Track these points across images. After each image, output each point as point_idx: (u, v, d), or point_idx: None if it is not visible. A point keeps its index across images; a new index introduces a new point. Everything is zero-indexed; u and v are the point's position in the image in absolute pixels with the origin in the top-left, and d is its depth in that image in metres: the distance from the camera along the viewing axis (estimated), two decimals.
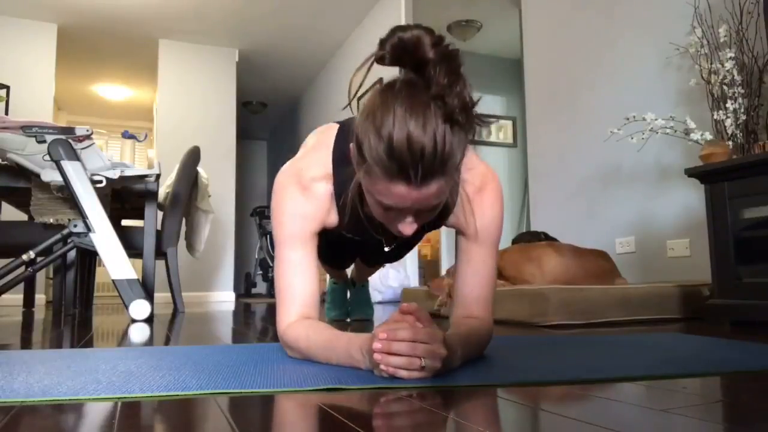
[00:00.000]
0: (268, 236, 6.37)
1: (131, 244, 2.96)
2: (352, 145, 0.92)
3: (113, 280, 2.43)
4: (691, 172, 1.96)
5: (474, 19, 4.92)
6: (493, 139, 5.48)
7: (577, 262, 2.33)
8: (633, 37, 2.88)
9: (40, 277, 4.54)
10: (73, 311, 2.86)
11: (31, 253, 2.50)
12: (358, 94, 0.97)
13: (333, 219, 1.15)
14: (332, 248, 1.68)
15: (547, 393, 0.81)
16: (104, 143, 7.52)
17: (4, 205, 3.36)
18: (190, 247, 3.62)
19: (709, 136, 2.18)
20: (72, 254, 2.82)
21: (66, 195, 2.56)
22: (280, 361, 1.10)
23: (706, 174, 1.92)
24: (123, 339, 1.68)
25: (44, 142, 2.38)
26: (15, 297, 4.15)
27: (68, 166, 2.40)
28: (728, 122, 2.10)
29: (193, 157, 3.34)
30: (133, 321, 2.40)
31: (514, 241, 2.79)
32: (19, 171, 2.54)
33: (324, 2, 4.77)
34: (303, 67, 6.15)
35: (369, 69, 0.88)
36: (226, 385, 0.86)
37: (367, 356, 0.93)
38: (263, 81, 6.57)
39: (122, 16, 4.93)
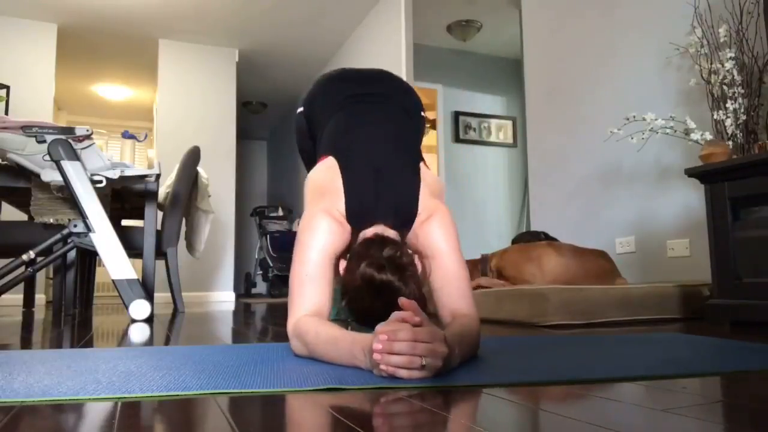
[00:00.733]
0: (268, 236, 6.37)
1: (131, 244, 2.96)
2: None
3: (113, 280, 2.43)
4: (691, 172, 1.96)
5: (474, 19, 4.92)
6: (493, 139, 5.48)
7: (577, 262, 2.33)
8: (633, 37, 2.88)
9: (40, 277, 4.54)
10: (73, 311, 2.86)
11: (31, 253, 2.50)
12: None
13: None
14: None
15: (547, 393, 0.80)
16: (104, 143, 7.52)
17: (4, 205, 3.36)
18: (190, 247, 3.62)
19: (709, 136, 2.18)
20: (72, 254, 2.82)
21: (66, 195, 2.56)
22: (280, 361, 1.10)
23: (706, 174, 1.92)
24: (123, 339, 1.68)
25: (44, 142, 2.38)
26: (15, 297, 4.15)
27: (68, 166, 2.40)
28: (728, 122, 2.10)
29: (193, 157, 3.34)
30: (133, 321, 2.40)
31: (514, 241, 2.79)
32: (19, 171, 2.53)
33: (324, 2, 4.77)
34: (303, 66, 6.15)
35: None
36: (226, 385, 0.86)
37: (367, 356, 0.93)
38: (263, 81, 6.57)
39: (122, 16, 4.93)
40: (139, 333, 1.87)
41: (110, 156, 2.63)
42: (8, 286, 2.51)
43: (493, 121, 5.50)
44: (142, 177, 2.75)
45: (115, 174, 2.53)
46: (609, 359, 1.09)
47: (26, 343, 1.55)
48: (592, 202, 3.12)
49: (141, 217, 3.29)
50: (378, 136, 1.34)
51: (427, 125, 5.24)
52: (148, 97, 6.93)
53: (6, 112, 4.32)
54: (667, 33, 2.68)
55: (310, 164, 1.60)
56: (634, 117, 2.44)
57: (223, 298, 5.35)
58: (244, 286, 7.21)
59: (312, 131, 1.56)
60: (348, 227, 1.24)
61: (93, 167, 2.50)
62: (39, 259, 2.61)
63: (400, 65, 4.14)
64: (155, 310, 3.34)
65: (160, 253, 3.25)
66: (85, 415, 0.70)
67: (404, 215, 1.25)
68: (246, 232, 8.38)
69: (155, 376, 0.93)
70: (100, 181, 2.49)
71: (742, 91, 2.10)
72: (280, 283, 6.14)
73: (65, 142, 2.41)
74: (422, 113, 1.57)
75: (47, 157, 2.39)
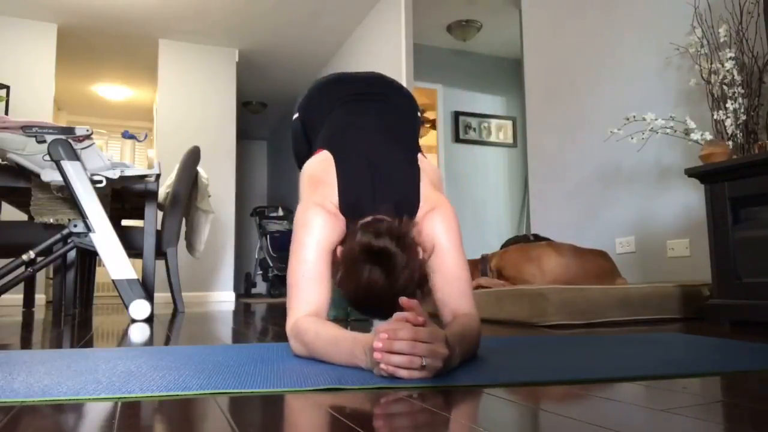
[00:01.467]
0: (268, 236, 6.37)
1: (131, 244, 2.96)
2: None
3: (113, 280, 2.43)
4: (691, 172, 1.96)
5: (474, 19, 4.92)
6: (493, 139, 5.48)
7: (577, 262, 2.33)
8: (633, 37, 2.88)
9: (40, 277, 4.54)
10: (73, 311, 2.86)
11: (31, 253, 2.50)
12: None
13: None
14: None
15: (547, 393, 0.80)
16: (104, 143, 7.52)
17: (4, 205, 3.36)
18: (190, 247, 3.62)
19: (709, 136, 2.18)
20: (72, 254, 2.82)
21: (66, 195, 2.56)
22: (280, 361, 1.10)
23: (706, 174, 1.92)
24: (123, 339, 1.68)
25: (44, 142, 2.38)
26: (15, 297, 4.15)
27: (68, 166, 2.40)
28: (728, 122, 2.10)
29: (193, 157, 3.34)
30: (133, 321, 2.40)
31: (502, 246, 2.77)
32: (19, 171, 2.53)
33: (324, 2, 4.76)
34: (303, 67, 6.15)
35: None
36: (226, 385, 0.86)
37: (368, 355, 0.93)
38: (263, 81, 6.57)
39: (122, 16, 4.93)
40: (139, 333, 1.87)
41: (110, 156, 2.63)
42: (8, 286, 2.51)
43: (493, 121, 5.50)
44: (142, 177, 2.75)
45: (115, 174, 2.53)
46: (609, 359, 1.09)
47: (26, 343, 1.55)
48: (592, 202, 3.12)
49: (141, 217, 3.29)
50: (373, 130, 1.33)
51: (427, 125, 5.25)
52: (148, 97, 6.93)
53: (6, 112, 4.32)
54: (667, 33, 2.68)
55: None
56: (634, 117, 2.44)
57: (223, 298, 5.35)
58: (244, 286, 7.21)
59: (308, 135, 1.55)
60: (342, 218, 1.21)
61: (93, 167, 2.50)
62: (39, 259, 2.61)
63: (400, 65, 4.14)
64: (155, 310, 3.34)
65: (160, 253, 3.25)
66: (85, 415, 0.70)
67: (405, 207, 1.22)
68: (246, 232, 8.38)
69: (155, 376, 0.93)
70: (100, 181, 2.49)
71: (742, 91, 2.10)
72: (279, 283, 6.15)
73: (65, 142, 2.41)
74: (419, 113, 1.56)
75: (47, 157, 2.39)
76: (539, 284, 2.24)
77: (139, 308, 2.41)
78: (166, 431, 0.63)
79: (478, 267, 2.57)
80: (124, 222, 3.73)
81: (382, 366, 0.87)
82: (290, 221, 6.62)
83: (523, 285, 2.24)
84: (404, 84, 3.39)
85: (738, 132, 2.09)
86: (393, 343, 0.86)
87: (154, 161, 5.47)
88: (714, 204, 1.91)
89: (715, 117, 2.17)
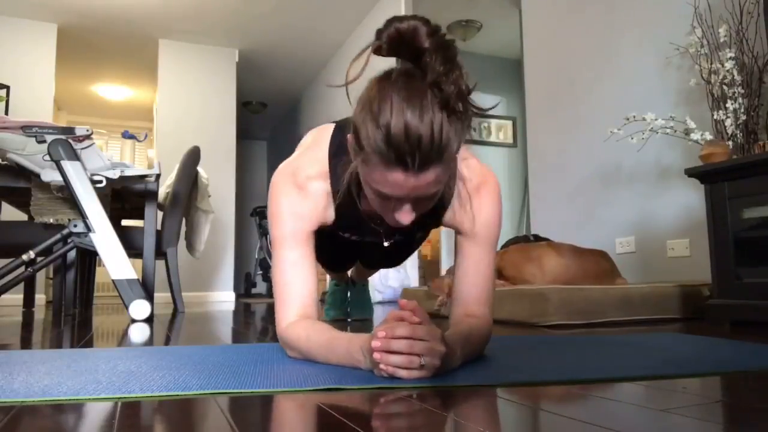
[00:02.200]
0: (267, 236, 6.38)
1: (131, 244, 2.96)
2: (349, 136, 0.93)
3: (113, 280, 2.43)
4: (691, 172, 1.96)
5: (474, 19, 4.92)
6: (493, 139, 5.48)
7: (577, 262, 2.33)
8: (633, 37, 2.88)
9: (40, 277, 4.54)
10: (73, 311, 2.86)
11: (31, 253, 2.50)
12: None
13: (330, 217, 1.15)
14: (331, 251, 1.68)
15: (547, 393, 0.80)
16: (104, 143, 7.52)
17: (4, 205, 3.36)
18: (190, 247, 3.62)
19: (709, 136, 2.18)
20: (72, 254, 2.82)
21: (66, 195, 2.56)
22: (280, 361, 1.10)
23: (706, 174, 1.92)
24: (123, 339, 1.68)
25: (44, 142, 2.38)
26: (15, 297, 4.15)
27: (68, 166, 2.40)
28: (728, 122, 2.10)
29: (193, 157, 3.34)
30: (133, 321, 2.40)
31: (502, 247, 2.77)
32: (19, 171, 2.53)
33: (324, 2, 4.76)
34: (303, 67, 6.15)
35: (367, 60, 0.88)
36: (226, 385, 0.86)
37: (367, 355, 0.92)
38: (263, 81, 6.57)
39: (122, 16, 4.93)
40: (139, 333, 1.87)
41: (110, 156, 2.63)
42: (8, 286, 2.51)
43: (493, 121, 5.50)
44: (142, 177, 2.75)
45: (115, 174, 2.53)
46: (609, 359, 1.09)
47: (26, 343, 1.55)
48: (592, 202, 3.12)
49: (141, 217, 3.29)
50: None
51: None
52: (148, 97, 6.93)
53: (6, 112, 4.33)
54: (667, 33, 2.68)
55: None
56: (634, 117, 2.44)
57: (223, 298, 5.35)
58: (244, 286, 7.21)
59: None
60: (314, 186, 1.10)
61: (93, 167, 2.50)
62: (39, 259, 2.61)
63: None
64: (155, 310, 3.34)
65: (160, 253, 3.25)
66: (85, 415, 0.70)
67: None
68: (246, 232, 8.38)
69: (155, 376, 0.93)
70: (100, 181, 2.49)
71: (742, 91, 2.10)
72: None
73: (65, 142, 2.41)
74: None
75: (47, 157, 2.39)
76: (539, 284, 2.24)
77: (139, 308, 2.41)
78: (166, 431, 0.63)
79: None
80: (124, 222, 3.73)
81: (382, 367, 0.87)
82: None
83: (523, 285, 2.24)
84: None
85: (738, 132, 2.09)
86: (391, 343, 0.86)
87: (154, 161, 5.47)
88: (714, 204, 1.91)
89: (715, 117, 2.17)
